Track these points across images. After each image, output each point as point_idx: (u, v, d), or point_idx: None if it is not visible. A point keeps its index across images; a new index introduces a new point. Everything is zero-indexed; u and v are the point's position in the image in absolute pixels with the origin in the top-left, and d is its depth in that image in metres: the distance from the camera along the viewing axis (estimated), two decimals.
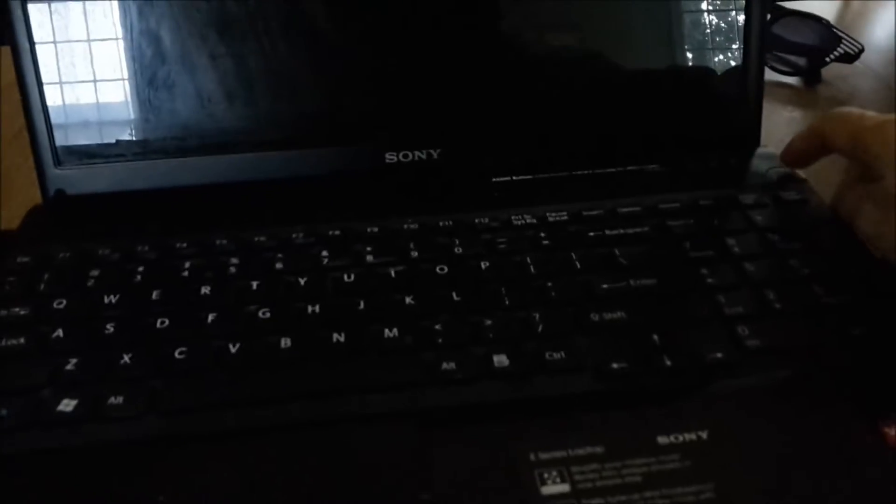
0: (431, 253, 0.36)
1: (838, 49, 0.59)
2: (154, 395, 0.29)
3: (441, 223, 0.38)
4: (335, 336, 0.31)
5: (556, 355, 0.30)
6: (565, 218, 0.39)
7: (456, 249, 0.36)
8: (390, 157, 0.43)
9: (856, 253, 0.35)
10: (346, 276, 0.35)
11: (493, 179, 0.42)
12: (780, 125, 0.53)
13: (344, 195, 0.41)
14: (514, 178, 0.43)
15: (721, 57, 0.44)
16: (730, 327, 0.31)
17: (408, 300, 0.33)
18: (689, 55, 0.44)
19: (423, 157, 0.43)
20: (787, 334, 0.31)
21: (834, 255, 0.35)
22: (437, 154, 0.43)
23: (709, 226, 0.38)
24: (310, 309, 0.33)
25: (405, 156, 0.43)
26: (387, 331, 0.31)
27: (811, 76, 0.59)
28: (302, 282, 0.34)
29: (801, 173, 0.42)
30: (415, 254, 0.36)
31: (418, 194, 0.41)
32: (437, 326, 0.32)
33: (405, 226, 0.38)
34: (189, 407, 0.28)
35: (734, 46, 0.44)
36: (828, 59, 0.59)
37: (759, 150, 0.44)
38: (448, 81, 0.43)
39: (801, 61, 0.60)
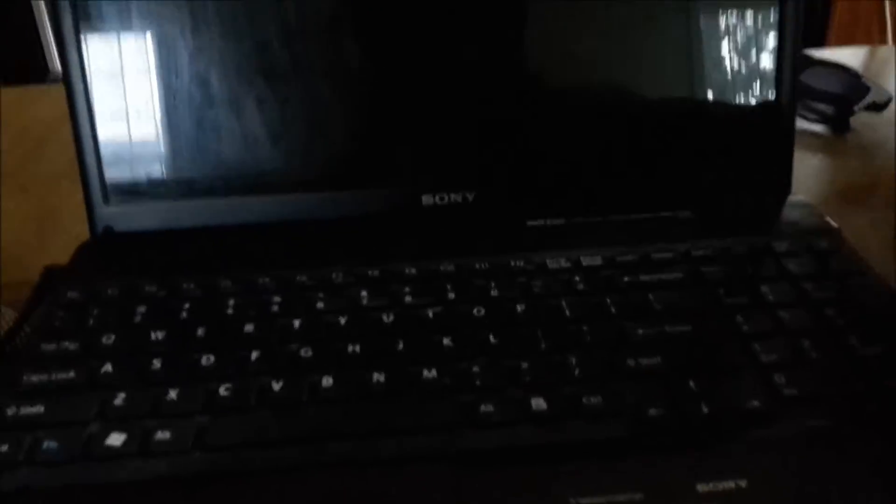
0: (468, 295, 0.37)
1: (867, 98, 0.59)
2: (200, 431, 0.29)
3: (477, 265, 0.39)
4: (375, 376, 0.32)
5: (594, 400, 0.31)
6: (599, 263, 0.39)
7: (492, 292, 0.37)
8: (427, 199, 0.44)
9: (889, 304, 0.36)
10: (385, 317, 0.35)
11: (528, 223, 0.43)
12: (809, 173, 0.54)
13: (382, 236, 0.42)
14: (548, 221, 0.43)
15: (753, 105, 0.45)
16: (766, 375, 0.32)
17: (445, 342, 0.34)
18: (722, 102, 0.45)
19: (459, 199, 0.44)
20: (823, 383, 0.31)
21: (868, 306, 0.35)
22: (473, 197, 0.44)
23: (742, 273, 0.38)
24: (350, 349, 0.33)
25: (441, 198, 0.44)
26: (425, 371, 0.32)
27: (840, 125, 0.60)
28: (342, 321, 0.35)
29: (833, 223, 0.42)
30: (452, 295, 0.37)
31: (454, 237, 0.42)
32: (475, 368, 0.32)
33: (442, 267, 0.39)
34: (234, 444, 0.29)
35: (766, 94, 0.45)
36: (856, 109, 0.60)
37: (791, 198, 0.45)
38: (483, 125, 0.44)
39: (830, 110, 0.60)
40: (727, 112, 0.45)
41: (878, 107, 0.59)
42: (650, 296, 0.36)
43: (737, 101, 0.45)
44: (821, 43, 1.90)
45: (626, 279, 0.38)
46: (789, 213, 0.44)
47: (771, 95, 0.45)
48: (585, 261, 0.39)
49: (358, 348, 0.33)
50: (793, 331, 0.34)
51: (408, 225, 0.43)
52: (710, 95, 0.45)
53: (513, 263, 0.39)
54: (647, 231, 0.42)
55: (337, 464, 0.28)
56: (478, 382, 0.32)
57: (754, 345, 0.33)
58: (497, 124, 0.44)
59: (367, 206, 0.43)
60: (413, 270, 0.39)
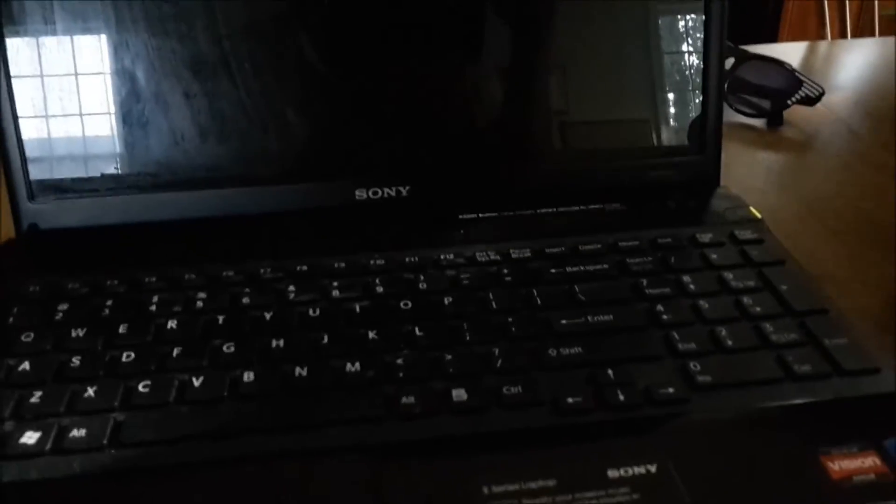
0: (396, 288, 0.37)
1: (800, 92, 0.61)
2: (116, 427, 0.29)
3: (407, 259, 0.39)
4: (297, 370, 0.32)
5: (514, 390, 0.31)
6: (528, 255, 0.40)
7: (421, 285, 0.37)
8: (360, 193, 0.44)
9: (809, 292, 0.36)
10: (311, 311, 0.35)
11: (460, 216, 0.44)
12: (742, 165, 0.55)
13: (313, 231, 0.42)
14: (481, 215, 0.44)
15: (682, 99, 0.46)
16: (682, 363, 0.32)
17: (371, 335, 0.34)
18: (652, 97, 0.46)
19: (392, 193, 0.44)
20: (736, 371, 0.32)
21: (787, 294, 0.36)
22: (406, 191, 0.44)
23: (666, 264, 0.39)
24: (274, 343, 0.33)
25: (374, 193, 0.44)
26: (349, 365, 0.32)
27: (774, 118, 0.61)
28: (267, 316, 0.35)
29: (757, 213, 0.43)
30: (380, 289, 0.37)
31: (386, 231, 0.42)
32: (399, 361, 0.32)
33: (372, 261, 0.39)
34: (149, 440, 0.29)
35: (695, 89, 0.46)
36: (790, 102, 0.61)
37: (719, 190, 0.46)
38: (417, 121, 0.44)
39: (765, 103, 0.61)
40: (657, 107, 0.46)
41: (811, 101, 0.61)
42: (576, 287, 0.37)
43: (666, 96, 0.46)
44: (773, 38, 1.93)
45: (553, 271, 0.38)
46: (717, 205, 0.45)
47: (699, 90, 0.45)
48: (515, 253, 0.40)
49: (282, 343, 0.33)
50: (711, 320, 0.35)
51: (341, 220, 0.43)
52: (639, 91, 0.46)
53: (443, 257, 0.39)
54: (578, 223, 0.43)
55: (254, 459, 0.28)
56: (401, 375, 0.32)
57: (673, 333, 0.34)
58: (431, 120, 0.45)
59: (299, 201, 0.43)
60: (342, 265, 0.39)
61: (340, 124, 0.44)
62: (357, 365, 0.32)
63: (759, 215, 0.43)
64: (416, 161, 0.45)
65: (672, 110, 0.46)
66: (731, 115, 0.61)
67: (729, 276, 0.38)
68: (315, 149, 0.44)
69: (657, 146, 0.46)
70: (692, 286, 0.37)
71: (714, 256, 0.39)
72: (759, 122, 0.62)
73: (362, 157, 0.45)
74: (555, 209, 0.44)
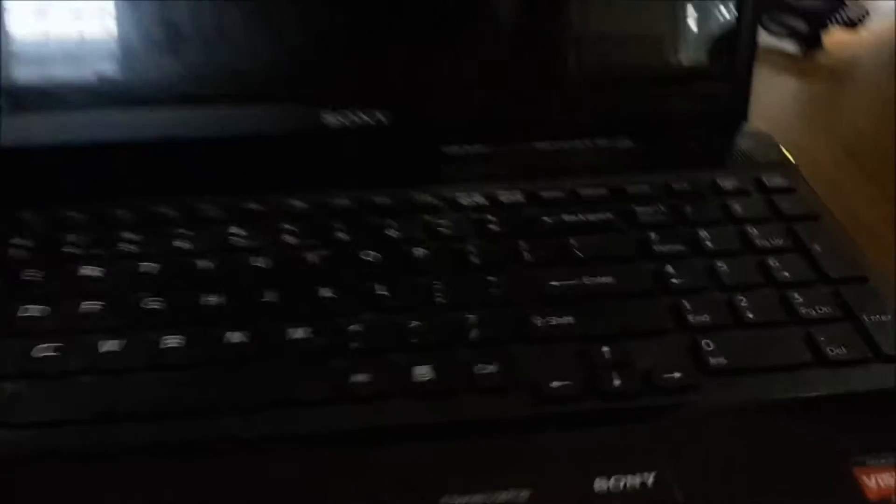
0: (361, 235, 0.32)
1: (841, 13, 0.53)
2: (10, 401, 0.24)
3: (377, 200, 0.34)
4: (232, 335, 0.27)
5: (488, 368, 0.26)
6: (520, 199, 0.34)
7: (389, 232, 0.32)
8: (329, 118, 0.38)
9: (847, 255, 0.31)
10: (257, 261, 0.30)
11: (444, 150, 0.37)
12: (771, 97, 0.48)
13: (270, 163, 0.36)
14: (468, 149, 0.38)
15: (707, 14, 0.39)
16: (693, 340, 0.27)
17: (325, 293, 0.29)
18: (671, 9, 0.39)
19: (368, 119, 0.38)
20: (757, 352, 0.27)
21: (819, 258, 0.30)
22: (382, 117, 0.38)
23: (681, 214, 0.33)
24: (207, 300, 0.28)
25: (345, 117, 0.38)
26: (292, 330, 0.27)
27: (810, 42, 0.54)
28: (203, 265, 0.30)
29: (791, 157, 0.37)
30: (342, 235, 0.32)
31: (357, 165, 0.36)
32: (355, 327, 0.27)
33: (336, 201, 0.33)
34: (45, 420, 0.24)
35: (723, 3, 0.39)
36: (829, 24, 0.54)
37: (746, 128, 0.39)
38: (397, 33, 0.38)
39: (800, 24, 0.54)
40: (677, 21, 0.39)
41: (853, 24, 0.54)
42: (572, 241, 0.31)
43: (688, 7, 0.39)
44: None
45: (547, 219, 0.33)
46: (743, 144, 0.38)
47: (729, 4, 0.39)
48: (503, 196, 0.34)
49: (216, 300, 0.28)
50: (729, 286, 0.29)
51: (305, 149, 0.37)
52: (654, 3, 0.39)
53: (419, 198, 0.34)
54: (580, 162, 0.37)
55: (165, 448, 0.23)
56: (355, 345, 0.27)
57: (683, 302, 0.28)
58: (416, 32, 0.38)
59: (256, 124, 0.37)
60: (301, 204, 0.33)
61: (307, 34, 0.37)
62: (303, 330, 0.27)
63: (791, 159, 0.37)
64: (396, 82, 0.38)
65: (695, 26, 0.39)
66: (760, 36, 0.53)
67: (753, 231, 0.32)
68: (277, 62, 0.38)
69: (676, 69, 0.39)
70: (709, 243, 0.31)
71: (737, 207, 0.33)
72: (792, 46, 0.55)
73: (332, 75, 0.38)
74: (554, 144, 0.38)
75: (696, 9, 0.39)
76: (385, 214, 0.33)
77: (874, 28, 0.55)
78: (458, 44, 0.38)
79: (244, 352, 0.26)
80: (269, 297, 0.28)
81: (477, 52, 0.38)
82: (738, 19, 0.39)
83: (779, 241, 0.31)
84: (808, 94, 0.49)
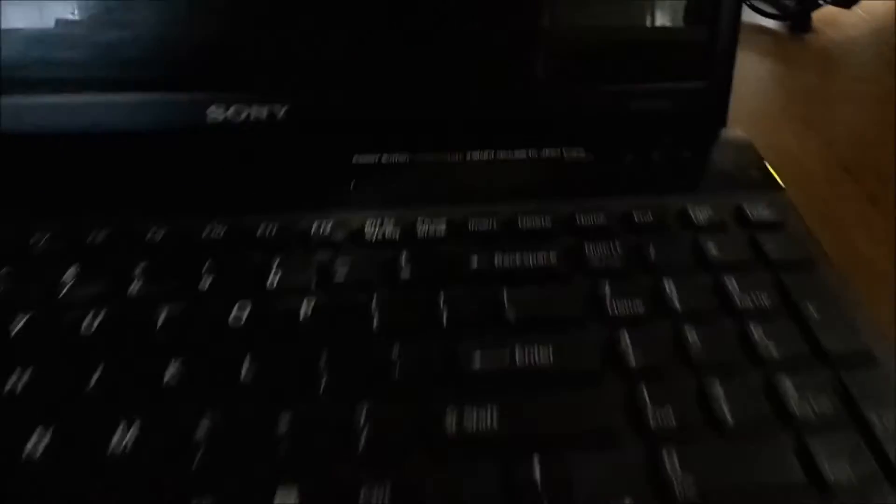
0: (230, 282, 0.24)
1: None
2: None
3: (261, 229, 0.26)
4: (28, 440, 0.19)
5: (378, 498, 0.19)
6: (442, 231, 0.27)
7: (269, 279, 0.25)
8: (215, 113, 0.30)
9: (844, 317, 0.24)
10: (87, 319, 0.23)
11: (354, 159, 0.30)
12: (753, 88, 0.41)
13: (136, 172, 0.28)
14: (385, 158, 0.30)
15: None
16: (652, 454, 0.20)
17: (168, 372, 0.21)
18: None
19: (262, 116, 0.31)
20: (736, 472, 0.20)
21: (817, 326, 0.24)
22: (283, 113, 0.31)
23: (642, 257, 0.26)
24: None
25: (237, 113, 0.30)
26: (110, 430, 0.20)
27: (799, 22, 0.47)
28: (19, 323, 0.22)
29: (779, 177, 0.30)
30: (204, 282, 0.24)
31: (243, 175, 0.29)
32: (203, 426, 0.20)
33: (206, 229, 0.26)
34: None
35: None
36: (821, 1, 0.47)
37: (725, 134, 0.33)
38: (299, 11, 0.30)
39: (789, 1, 0.47)
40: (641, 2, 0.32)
41: (847, 1, 0.47)
42: (504, 293, 0.24)
43: None
44: None
45: (473, 262, 0.26)
46: (720, 158, 0.32)
47: None
48: (422, 226, 0.27)
49: (22, 376, 0.21)
50: (701, 368, 0.22)
51: (181, 154, 0.30)
52: None
53: (314, 227, 0.27)
54: (522, 178, 0.30)
55: None
56: (201, 452, 0.20)
57: (642, 391, 0.22)
58: (318, 10, 0.30)
59: (122, 118, 0.30)
60: (158, 232, 0.26)
61: (192, 10, 0.30)
62: (127, 429, 0.20)
63: (779, 179, 0.30)
64: (297, 69, 0.31)
65: (664, 7, 0.32)
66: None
67: (732, 285, 0.25)
68: (150, 44, 0.30)
69: (639, 59, 0.32)
70: (676, 302, 0.24)
71: (712, 248, 0.27)
72: (778, 26, 0.48)
73: (220, 60, 0.31)
74: (491, 153, 0.31)
75: None
76: (266, 249, 0.26)
77: (870, 6, 0.49)
78: (374, 20, 0.30)
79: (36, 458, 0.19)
80: (85, 376, 0.21)
81: (399, 30, 0.31)
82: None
83: (764, 301, 0.25)
84: (796, 86, 0.42)
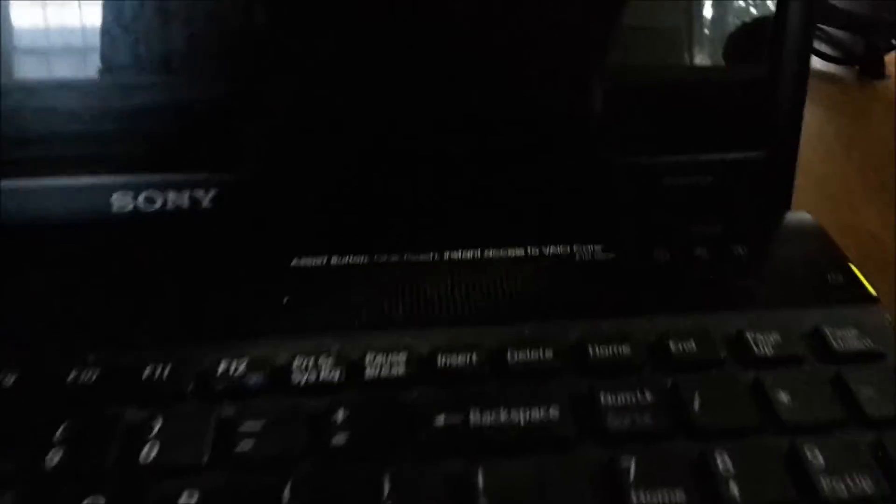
0: (89, 458, 0.17)
1: None
2: None
3: (147, 371, 0.19)
4: None
5: None
6: (401, 369, 0.19)
7: (144, 455, 0.17)
8: (122, 201, 0.24)
9: None
10: None
11: (294, 262, 0.23)
12: (818, 150, 0.33)
13: (20, 286, 0.22)
14: (334, 260, 0.23)
15: (727, 53, 0.24)
16: None
17: None
18: (678, 28, 0.25)
19: (184, 204, 0.24)
20: None
21: None
22: (209, 200, 0.24)
23: (680, 413, 0.18)
24: None
25: (149, 200, 0.24)
26: None
27: (870, 66, 0.39)
28: None
29: (869, 285, 0.22)
30: (55, 458, 0.17)
31: (141, 289, 0.22)
32: None
33: (74, 373, 0.19)
34: None
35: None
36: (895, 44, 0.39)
37: (789, 219, 0.25)
38: (239, 76, 0.23)
39: (857, 43, 0.39)
40: (682, 44, 0.24)
41: None
42: (476, 475, 0.17)
43: (705, 22, 0.25)
44: None
45: (438, 424, 0.18)
46: (785, 254, 0.24)
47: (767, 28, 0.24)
48: (373, 362, 0.19)
49: None
50: None
51: (73, 253, 0.23)
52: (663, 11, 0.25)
53: (228, 367, 0.19)
54: (514, 289, 0.22)
55: None
56: None
57: None
58: (257, 63, 0.24)
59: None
60: (10, 378, 0.19)
61: (95, 84, 0.23)
62: None
63: (869, 287, 0.22)
64: (230, 147, 0.24)
65: (704, 51, 0.25)
66: None
67: (815, 458, 0.17)
68: (45, 119, 0.23)
69: (675, 123, 0.25)
70: (735, 491, 0.16)
71: (782, 399, 0.19)
72: (844, 71, 0.40)
73: (135, 138, 0.24)
74: (476, 252, 0.23)
75: (706, 48, 0.24)
76: (149, 402, 0.18)
77: None
78: (325, 91, 0.23)
79: None
80: None
81: (354, 101, 0.24)
82: (779, 57, 0.24)
83: (865, 487, 0.17)
84: (870, 146, 0.34)
